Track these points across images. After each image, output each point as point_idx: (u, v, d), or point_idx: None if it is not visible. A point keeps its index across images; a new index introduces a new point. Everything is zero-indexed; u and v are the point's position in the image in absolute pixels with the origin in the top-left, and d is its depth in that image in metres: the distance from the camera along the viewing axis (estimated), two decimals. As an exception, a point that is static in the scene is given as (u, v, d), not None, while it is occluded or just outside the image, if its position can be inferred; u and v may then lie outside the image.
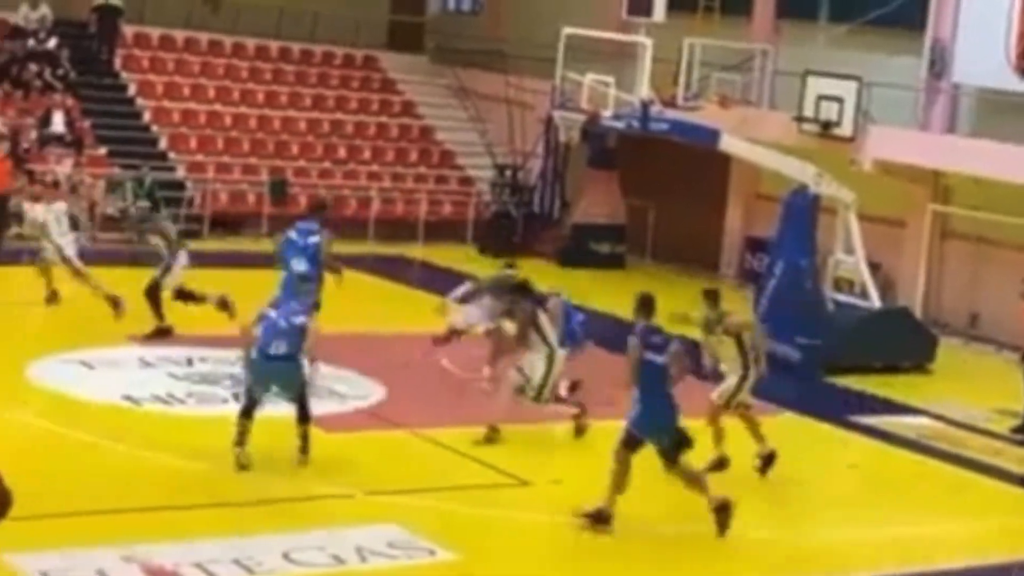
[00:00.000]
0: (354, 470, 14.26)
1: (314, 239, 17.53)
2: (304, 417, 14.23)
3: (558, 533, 13.09)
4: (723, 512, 13.14)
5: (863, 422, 18.36)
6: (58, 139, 27.87)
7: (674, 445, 12.99)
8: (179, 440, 14.52)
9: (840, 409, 18.91)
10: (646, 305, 13.34)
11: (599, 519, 13.03)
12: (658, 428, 13.06)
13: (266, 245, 27.54)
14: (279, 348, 14.01)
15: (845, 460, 16.88)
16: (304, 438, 14.18)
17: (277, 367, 14.06)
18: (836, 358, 20.98)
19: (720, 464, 14.85)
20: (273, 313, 14.33)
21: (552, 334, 16.01)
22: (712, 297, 15.50)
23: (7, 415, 15.01)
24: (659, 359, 13.10)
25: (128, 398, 16.13)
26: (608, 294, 23.10)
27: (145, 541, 11.62)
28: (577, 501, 13.47)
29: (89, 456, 13.98)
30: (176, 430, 15.13)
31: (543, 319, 16.04)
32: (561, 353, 16.02)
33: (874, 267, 23.43)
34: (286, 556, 11.77)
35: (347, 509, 13.03)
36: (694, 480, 13.22)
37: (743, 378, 15.13)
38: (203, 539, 11.90)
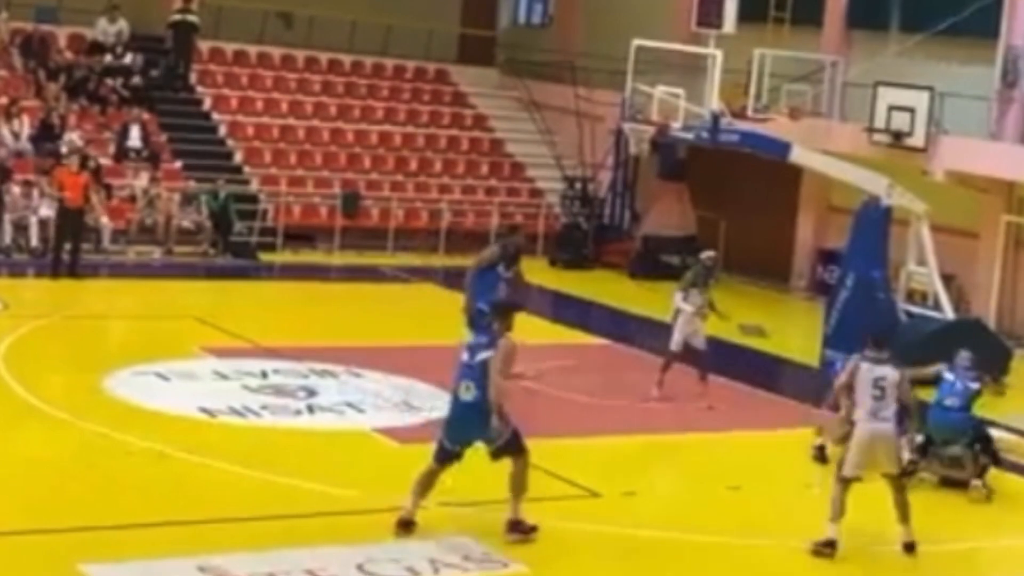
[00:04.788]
0: (427, 482, 14.27)
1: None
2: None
3: (629, 546, 13.11)
4: None
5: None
6: (135, 153, 28.21)
7: None
8: (254, 452, 14.64)
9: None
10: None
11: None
12: None
13: (337, 258, 27.87)
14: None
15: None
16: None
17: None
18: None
19: None
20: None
21: None
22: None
23: (84, 427, 15.21)
24: None
25: (203, 410, 16.24)
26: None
27: (220, 552, 11.70)
28: (648, 514, 13.49)
29: (165, 467, 14.08)
30: (251, 442, 15.26)
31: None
32: None
33: (947, 278, 23.24)
34: (360, 568, 11.80)
35: (421, 521, 13.07)
36: None
37: None
38: (277, 550, 11.94)
